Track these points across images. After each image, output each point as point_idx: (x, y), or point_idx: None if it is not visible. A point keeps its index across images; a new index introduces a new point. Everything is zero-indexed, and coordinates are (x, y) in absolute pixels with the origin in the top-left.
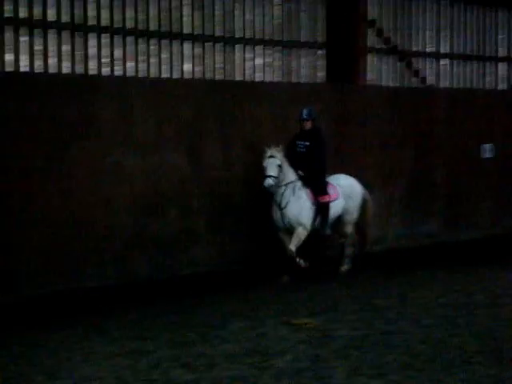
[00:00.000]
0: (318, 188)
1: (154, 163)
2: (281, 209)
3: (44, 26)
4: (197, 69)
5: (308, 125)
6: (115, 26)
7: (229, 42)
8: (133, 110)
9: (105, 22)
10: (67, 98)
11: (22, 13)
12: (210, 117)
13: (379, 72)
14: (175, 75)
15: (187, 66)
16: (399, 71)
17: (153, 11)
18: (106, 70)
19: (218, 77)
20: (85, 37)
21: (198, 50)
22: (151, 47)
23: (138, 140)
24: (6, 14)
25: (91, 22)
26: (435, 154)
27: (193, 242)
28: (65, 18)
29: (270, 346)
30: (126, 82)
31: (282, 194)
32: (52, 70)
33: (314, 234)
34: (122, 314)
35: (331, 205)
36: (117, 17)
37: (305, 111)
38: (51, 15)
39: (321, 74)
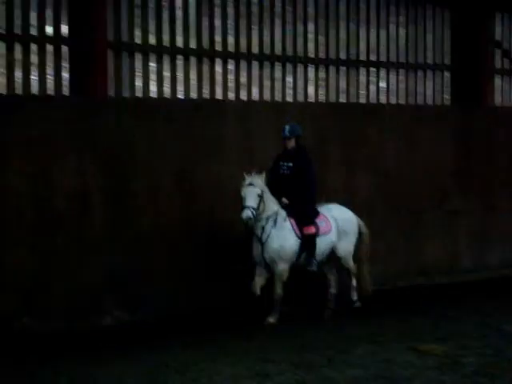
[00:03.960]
0: (302, 217)
1: None
2: (261, 243)
3: (172, 52)
4: (320, 92)
5: (291, 143)
6: (241, 51)
7: (353, 65)
8: (257, 134)
9: (231, 47)
10: (194, 123)
11: (152, 39)
12: (333, 140)
13: (506, 93)
14: (299, 99)
15: (311, 90)
16: None
17: (278, 36)
18: (231, 95)
19: (342, 100)
20: (211, 62)
21: (321, 74)
22: (276, 71)
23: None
24: (136, 41)
25: (217, 47)
26: None
27: None
28: (192, 44)
29: (397, 371)
30: (251, 106)
31: (263, 227)
32: (180, 95)
33: (301, 270)
34: (247, 335)
35: (322, 239)
36: (242, 42)
37: (286, 128)
38: (179, 42)
39: (446, 97)
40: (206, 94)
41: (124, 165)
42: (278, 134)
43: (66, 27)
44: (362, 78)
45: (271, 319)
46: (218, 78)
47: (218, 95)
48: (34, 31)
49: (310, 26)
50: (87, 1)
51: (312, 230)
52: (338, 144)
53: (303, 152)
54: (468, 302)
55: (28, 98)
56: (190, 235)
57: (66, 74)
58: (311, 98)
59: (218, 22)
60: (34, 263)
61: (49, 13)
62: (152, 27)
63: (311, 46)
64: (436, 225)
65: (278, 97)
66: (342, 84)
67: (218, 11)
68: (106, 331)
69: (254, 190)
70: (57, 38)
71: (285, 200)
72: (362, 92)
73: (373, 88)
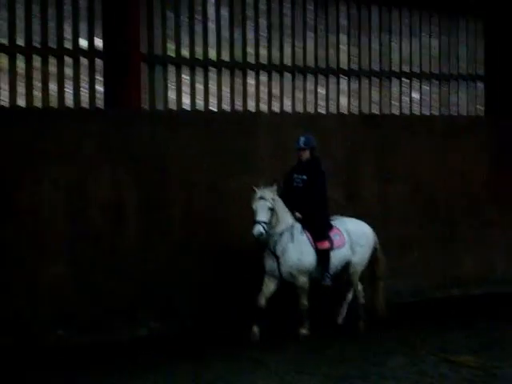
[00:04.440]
0: (316, 231)
1: None
2: (277, 257)
3: (205, 64)
4: (353, 103)
5: (305, 155)
6: (273, 62)
7: (385, 75)
8: (290, 146)
9: (263, 59)
10: (226, 134)
11: (185, 51)
12: (365, 151)
13: None
14: (331, 110)
15: (343, 101)
16: None
17: (310, 47)
18: (264, 107)
19: (374, 111)
20: (243, 74)
21: (353, 85)
22: (308, 83)
23: None
24: (169, 54)
25: (250, 59)
26: None
27: None
28: (225, 57)
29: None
30: (283, 117)
31: (277, 241)
32: (212, 107)
33: (314, 284)
34: (280, 346)
35: (335, 253)
36: (275, 54)
37: (301, 139)
38: (212, 54)
39: (480, 107)
40: (238, 105)
41: (158, 176)
42: None
43: (100, 40)
44: (395, 89)
45: (304, 331)
46: (251, 89)
47: (251, 107)
48: (68, 45)
49: (343, 37)
50: (121, 14)
51: (326, 244)
52: (370, 155)
53: (317, 164)
54: (503, 313)
55: (63, 110)
56: (224, 247)
57: (100, 87)
58: (344, 110)
59: (250, 34)
60: (68, 275)
61: (83, 26)
62: (185, 40)
63: (343, 57)
64: (471, 236)
65: (310, 108)
66: (375, 95)
67: (250, 23)
68: (141, 342)
69: (265, 204)
70: (91, 51)
71: (298, 214)
72: (395, 103)
73: (405, 99)
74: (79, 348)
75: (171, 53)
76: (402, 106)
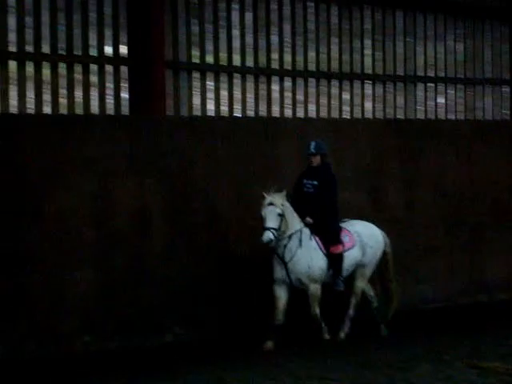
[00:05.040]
0: (328, 236)
1: None
2: (285, 263)
3: (229, 70)
4: (377, 108)
5: (316, 160)
6: (297, 68)
7: (410, 80)
8: None
9: (287, 65)
10: (251, 140)
11: (209, 58)
12: (390, 156)
13: None
14: (356, 115)
15: (368, 106)
16: None
17: (334, 52)
18: (288, 113)
19: (399, 116)
20: (268, 80)
21: (378, 90)
22: (332, 88)
23: None
24: (194, 60)
25: (274, 65)
26: None
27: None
28: (249, 63)
29: None
30: (307, 123)
31: (285, 246)
32: (236, 113)
33: (327, 289)
34: (308, 353)
35: (346, 255)
36: (299, 59)
37: (312, 144)
38: (236, 60)
39: (505, 111)
40: (262, 111)
41: (182, 183)
42: (336, 151)
43: (125, 48)
44: (420, 94)
45: (326, 335)
46: (275, 95)
47: (275, 113)
48: (93, 52)
49: (367, 42)
50: (145, 21)
51: (339, 248)
52: (395, 160)
53: (328, 170)
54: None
55: (87, 117)
56: (250, 253)
57: (125, 94)
58: (368, 115)
59: (274, 40)
60: (94, 281)
61: (108, 33)
62: (209, 46)
63: (368, 61)
64: (496, 241)
65: (334, 114)
66: (400, 100)
67: (274, 29)
68: (167, 348)
69: (275, 210)
70: (116, 58)
71: (309, 219)
72: (420, 108)
73: (431, 103)
74: (105, 354)
75: (196, 59)
76: (427, 111)
